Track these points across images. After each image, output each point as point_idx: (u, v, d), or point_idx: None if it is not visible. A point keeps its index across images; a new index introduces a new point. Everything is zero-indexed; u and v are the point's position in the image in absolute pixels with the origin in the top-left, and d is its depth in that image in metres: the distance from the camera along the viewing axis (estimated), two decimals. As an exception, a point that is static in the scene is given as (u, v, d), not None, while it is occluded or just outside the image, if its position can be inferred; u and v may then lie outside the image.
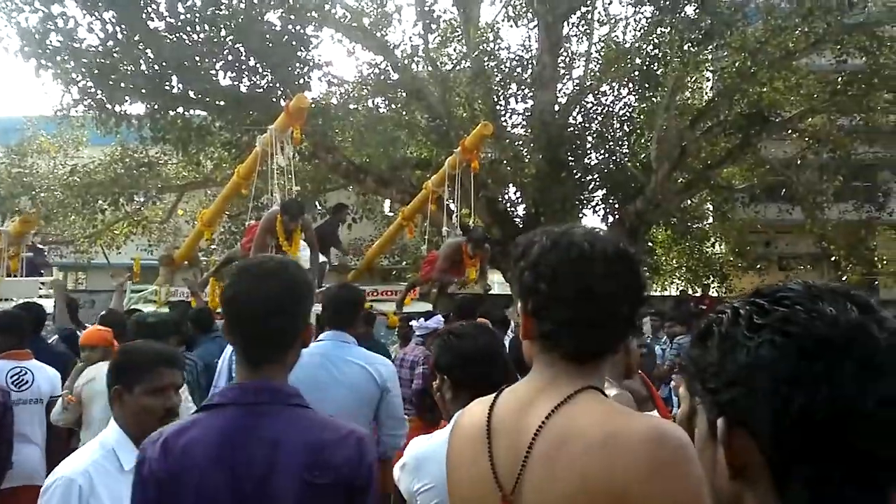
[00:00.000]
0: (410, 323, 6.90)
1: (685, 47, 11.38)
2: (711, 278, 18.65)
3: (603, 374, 1.44)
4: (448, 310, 7.55)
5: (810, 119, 14.21)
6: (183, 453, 1.69)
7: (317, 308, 7.87)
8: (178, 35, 12.03)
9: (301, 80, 12.72)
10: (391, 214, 18.12)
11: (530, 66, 14.17)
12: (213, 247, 13.95)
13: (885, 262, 17.33)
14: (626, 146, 14.86)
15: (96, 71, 11.91)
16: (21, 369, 4.42)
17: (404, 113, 13.68)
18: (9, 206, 16.33)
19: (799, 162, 15.18)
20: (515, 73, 14.29)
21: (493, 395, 1.51)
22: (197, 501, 1.66)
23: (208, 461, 1.67)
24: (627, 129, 14.84)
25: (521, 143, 13.95)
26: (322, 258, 8.43)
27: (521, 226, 13.58)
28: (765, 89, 12.65)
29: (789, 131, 14.76)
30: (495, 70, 14.22)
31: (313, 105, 9.94)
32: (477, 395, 2.52)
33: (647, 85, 13.60)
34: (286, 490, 1.67)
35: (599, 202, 14.79)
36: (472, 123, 13.33)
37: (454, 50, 15.70)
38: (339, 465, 1.72)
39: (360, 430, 1.88)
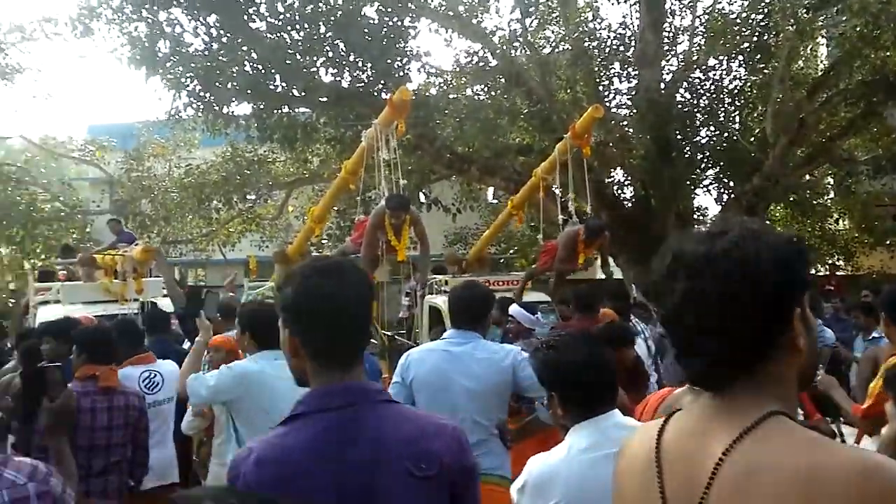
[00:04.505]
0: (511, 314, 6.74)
1: (799, 14, 10.76)
2: (836, 256, 17.71)
3: (789, 395, 1.27)
4: (565, 300, 7.40)
5: (941, 82, 13.22)
6: (280, 465, 1.65)
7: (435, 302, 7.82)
8: (278, 35, 12.27)
9: (401, 73, 12.77)
10: (495, 202, 18.03)
11: (632, 43, 13.74)
12: (322, 241, 14.20)
13: None
14: (738, 121, 14.25)
15: (203, 74, 12.28)
16: (151, 372, 4.54)
17: (504, 99, 13.53)
18: (131, 209, 17.15)
19: (929, 129, 14.16)
20: (618, 52, 13.89)
21: (662, 419, 1.37)
22: None
23: (310, 469, 1.64)
24: (739, 104, 14.22)
25: (626, 123, 13.57)
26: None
27: (629, 208, 13.24)
28: (889, 53, 11.82)
29: (918, 96, 13.77)
30: (596, 50, 13.86)
31: (414, 97, 9.91)
32: (589, 408, 2.42)
33: (758, 56, 12.97)
34: (394, 486, 1.64)
35: (712, 181, 14.25)
36: (575, 106, 13.07)
37: (552, 32, 15.40)
38: (442, 455, 1.70)
39: (452, 422, 1.86)
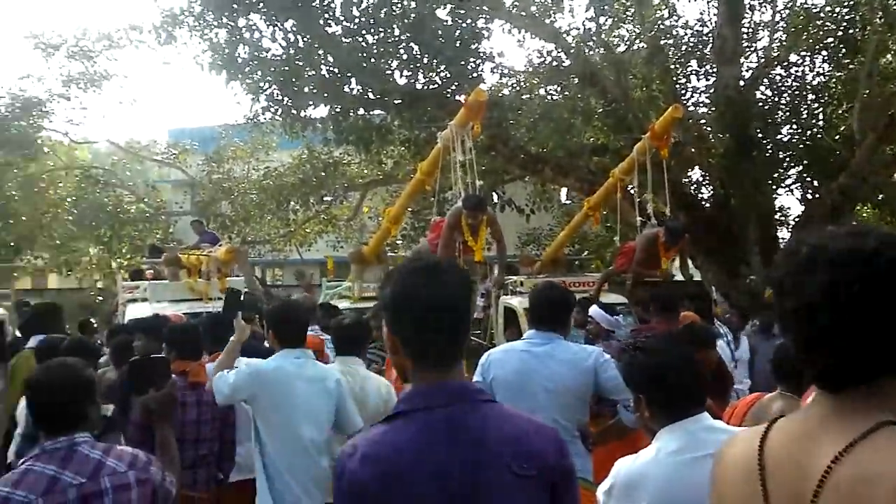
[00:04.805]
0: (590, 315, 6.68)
1: (889, 6, 10.37)
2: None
3: None
4: (642, 301, 7.29)
5: None
6: (386, 462, 1.66)
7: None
8: (354, 38, 12.45)
9: (474, 74, 12.81)
10: (568, 203, 17.91)
11: (710, 40, 13.46)
12: (397, 242, 14.35)
13: None
14: (821, 118, 13.79)
15: (281, 79, 12.57)
16: (235, 369, 4.66)
17: (579, 99, 13.42)
18: (212, 210, 17.66)
19: None
20: (695, 50, 13.63)
21: (764, 426, 1.35)
22: None
23: (415, 467, 1.65)
24: (823, 100, 13.76)
25: (704, 122, 13.29)
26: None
27: (708, 209, 12.97)
28: (983, 44, 11.30)
29: None
30: (672, 48, 13.61)
31: (488, 97, 9.92)
32: (678, 411, 2.39)
33: (843, 51, 12.53)
34: (496, 485, 1.64)
35: (795, 180, 13.83)
36: (651, 105, 12.88)
37: (627, 31, 15.23)
38: (543, 456, 1.70)
39: (552, 424, 1.88)
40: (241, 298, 4.63)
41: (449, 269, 1.81)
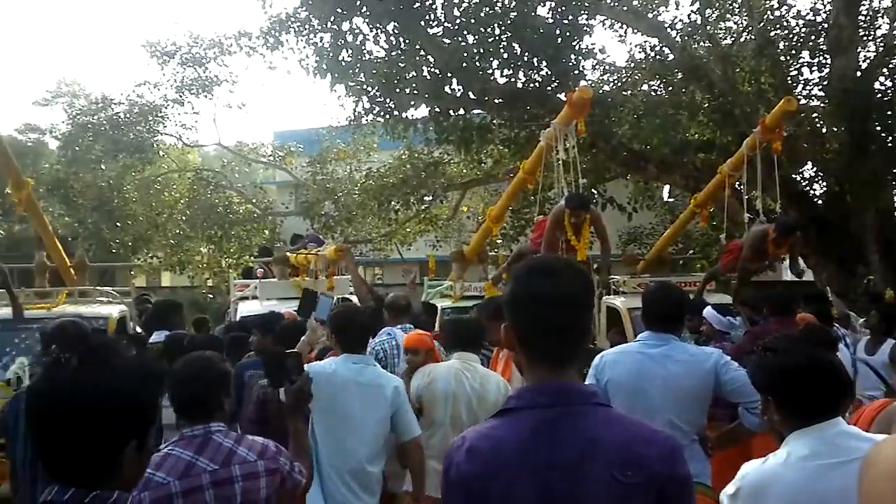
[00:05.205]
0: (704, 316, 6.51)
1: None
2: None
3: None
4: (749, 301, 7.07)
5: None
6: (490, 456, 1.68)
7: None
8: (455, 39, 12.55)
9: (575, 71, 12.70)
10: (671, 201, 17.51)
11: (824, 30, 12.88)
12: (497, 241, 14.37)
13: None
14: (949, 109, 12.96)
15: (383, 80, 12.79)
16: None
17: (683, 94, 13.10)
18: (315, 210, 18.13)
19: None
20: (807, 40, 13.06)
21: None
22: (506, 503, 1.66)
23: (517, 464, 1.66)
24: (951, 90, 12.93)
25: (818, 115, 12.74)
26: None
27: (821, 206, 12.45)
28: None
29: None
30: (783, 39, 13.10)
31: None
32: (812, 414, 2.30)
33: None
34: (598, 490, 1.62)
35: (917, 174, 13.06)
36: (760, 99, 12.43)
37: (734, 23, 14.74)
38: (652, 463, 1.64)
39: (665, 431, 1.81)
40: (317, 300, 4.77)
41: (567, 268, 1.80)
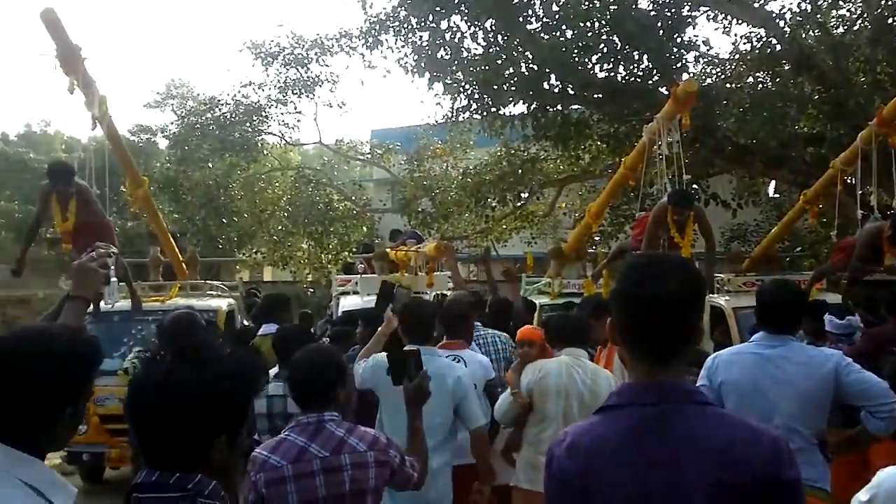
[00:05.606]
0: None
1: None
2: None
3: None
4: (863, 301, 6.78)
5: None
6: (590, 453, 1.68)
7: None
8: (553, 34, 12.45)
9: (677, 64, 12.42)
10: (776, 197, 16.90)
11: (949, 14, 12.15)
12: (595, 238, 14.20)
13: None
14: None
15: (481, 77, 12.81)
16: (454, 357, 4.84)
17: (792, 85, 12.61)
18: (412, 207, 18.34)
19: None
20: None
21: None
22: (606, 500, 1.65)
23: (617, 460, 1.65)
24: None
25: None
26: None
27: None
28: None
29: None
30: (902, 25, 12.41)
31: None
32: None
33: None
34: (698, 490, 1.59)
35: None
36: (876, 90, 11.84)
37: (848, 10, 14.08)
38: (755, 464, 1.60)
39: (775, 430, 1.76)
40: (394, 292, 4.88)
41: (676, 265, 1.78)
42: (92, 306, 2.38)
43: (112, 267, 2.48)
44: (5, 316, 18.86)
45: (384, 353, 4.13)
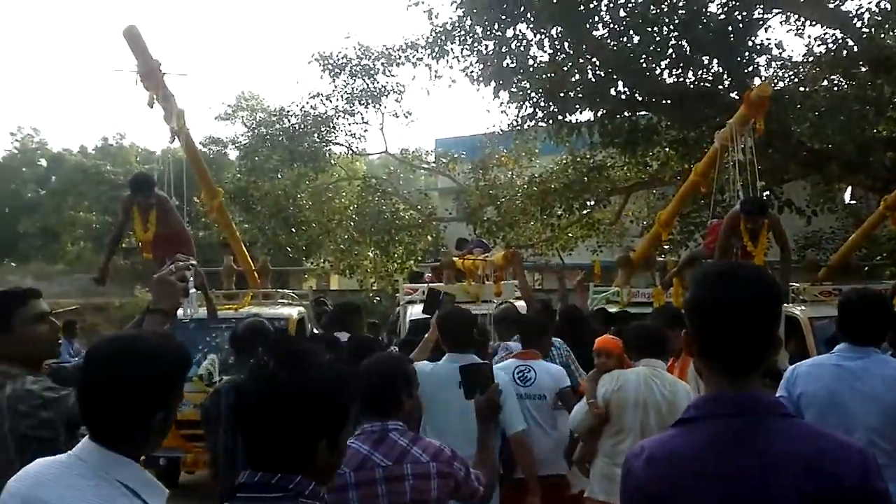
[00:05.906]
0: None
1: None
2: None
3: None
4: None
5: None
6: (667, 466, 1.66)
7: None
8: (620, 40, 12.33)
9: (749, 68, 12.15)
10: (853, 203, 16.38)
11: None
12: (665, 247, 13.96)
13: None
14: None
15: (547, 85, 12.75)
16: (526, 367, 4.84)
17: (869, 87, 12.20)
18: (478, 216, 18.35)
19: None
20: None
21: None
22: None
23: (694, 475, 1.62)
24: None
25: None
26: None
27: None
28: None
29: None
30: None
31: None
32: None
33: None
34: (786, 503, 1.56)
35: None
36: (963, 89, 11.41)
37: (930, 9, 13.56)
38: (842, 478, 1.56)
39: (859, 443, 1.74)
40: (441, 299, 4.93)
41: (751, 275, 1.75)
42: (172, 318, 2.45)
43: (191, 279, 2.54)
44: (84, 323, 19.55)
45: (425, 362, 4.18)
